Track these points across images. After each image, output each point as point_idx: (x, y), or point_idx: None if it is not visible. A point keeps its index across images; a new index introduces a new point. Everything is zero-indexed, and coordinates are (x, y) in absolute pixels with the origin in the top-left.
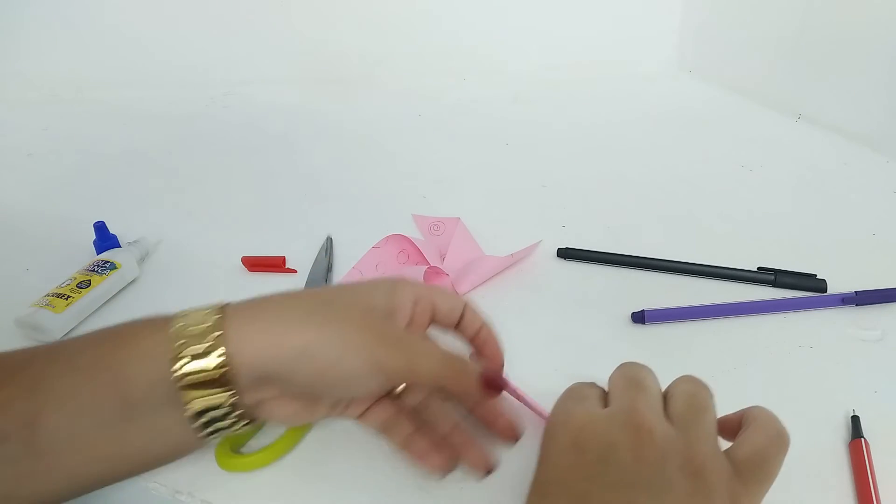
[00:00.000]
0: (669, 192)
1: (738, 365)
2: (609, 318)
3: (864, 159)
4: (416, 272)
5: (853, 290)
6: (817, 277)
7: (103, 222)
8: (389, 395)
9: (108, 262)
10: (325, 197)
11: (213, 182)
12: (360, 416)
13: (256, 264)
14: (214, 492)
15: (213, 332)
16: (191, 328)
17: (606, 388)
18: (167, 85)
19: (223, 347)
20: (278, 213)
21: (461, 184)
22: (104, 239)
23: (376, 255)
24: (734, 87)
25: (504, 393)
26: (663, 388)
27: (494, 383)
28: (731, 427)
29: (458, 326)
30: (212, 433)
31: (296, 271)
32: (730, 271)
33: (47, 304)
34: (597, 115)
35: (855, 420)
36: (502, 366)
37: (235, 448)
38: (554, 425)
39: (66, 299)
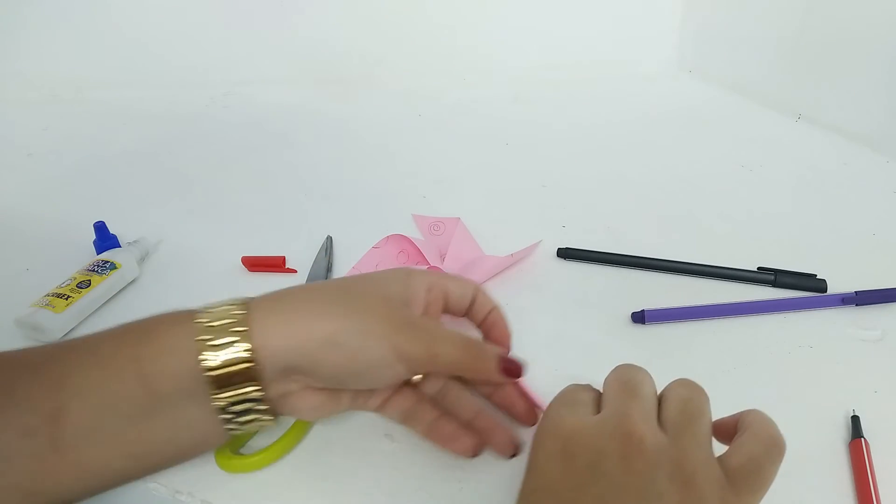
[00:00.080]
0: (669, 192)
1: (738, 365)
2: (609, 318)
3: (864, 159)
4: None
5: (853, 290)
6: (817, 277)
7: (103, 222)
8: (408, 384)
9: (108, 262)
10: (325, 197)
11: (213, 182)
12: (381, 406)
13: (256, 264)
14: (214, 492)
15: (238, 326)
16: (216, 322)
17: (602, 390)
18: (167, 85)
19: (249, 341)
20: (278, 213)
21: (461, 184)
22: (104, 239)
23: (376, 255)
24: (734, 87)
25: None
26: (660, 389)
27: (514, 368)
28: (727, 431)
29: (469, 311)
30: (237, 426)
31: (296, 271)
32: (730, 271)
33: (47, 304)
34: (597, 115)
35: (855, 420)
36: (510, 348)
37: (235, 449)
38: (543, 431)
39: (66, 299)
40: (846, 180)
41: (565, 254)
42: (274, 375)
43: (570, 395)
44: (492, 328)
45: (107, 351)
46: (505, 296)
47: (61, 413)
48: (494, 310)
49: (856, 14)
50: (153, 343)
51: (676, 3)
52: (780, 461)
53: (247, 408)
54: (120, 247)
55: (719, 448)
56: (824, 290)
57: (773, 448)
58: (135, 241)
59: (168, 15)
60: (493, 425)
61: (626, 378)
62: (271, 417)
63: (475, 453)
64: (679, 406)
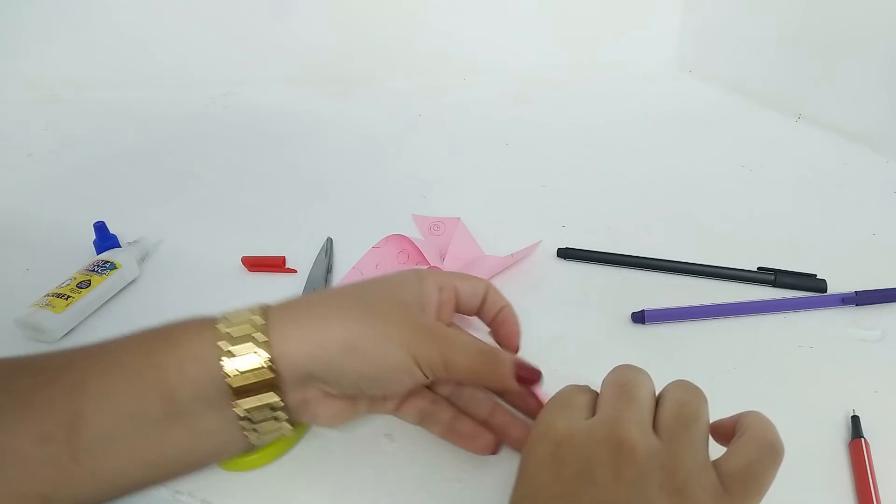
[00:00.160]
0: (669, 192)
1: (738, 365)
2: (609, 318)
3: (864, 159)
4: None
5: (853, 290)
6: (817, 277)
7: (103, 222)
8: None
9: (108, 262)
10: (325, 197)
11: (213, 182)
12: (397, 409)
13: (256, 264)
14: (214, 492)
15: (258, 334)
16: (235, 329)
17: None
18: (167, 85)
19: (269, 349)
20: (278, 213)
21: (461, 184)
22: (104, 239)
23: (376, 255)
24: (734, 87)
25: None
26: (660, 389)
27: (529, 375)
28: (726, 432)
29: (480, 309)
30: (256, 434)
31: (296, 271)
32: (730, 271)
33: (47, 304)
34: (597, 115)
35: (855, 420)
36: (518, 348)
37: None
38: (535, 435)
39: (66, 299)
40: (846, 180)
41: (565, 254)
42: (294, 383)
43: (566, 396)
44: (501, 326)
45: (126, 358)
46: (505, 296)
47: (79, 420)
48: (505, 307)
49: (856, 14)
50: (174, 351)
51: (676, 3)
52: (778, 466)
53: (266, 415)
54: (120, 247)
55: (718, 450)
56: (824, 290)
57: (770, 453)
58: (135, 242)
59: (168, 15)
60: (509, 421)
61: (624, 380)
62: (290, 425)
63: (495, 450)
64: (675, 409)
